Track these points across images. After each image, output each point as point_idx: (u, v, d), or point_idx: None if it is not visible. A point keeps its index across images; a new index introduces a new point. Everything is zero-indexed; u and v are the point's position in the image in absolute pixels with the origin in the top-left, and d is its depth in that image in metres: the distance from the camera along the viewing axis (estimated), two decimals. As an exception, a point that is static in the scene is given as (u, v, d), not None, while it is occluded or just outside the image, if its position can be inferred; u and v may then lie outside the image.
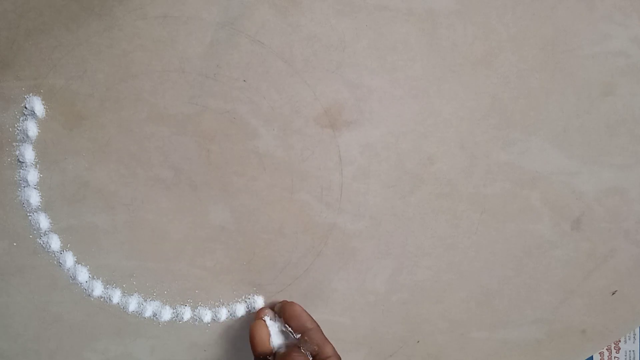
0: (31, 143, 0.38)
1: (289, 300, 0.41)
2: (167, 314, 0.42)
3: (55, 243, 0.40)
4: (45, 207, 0.39)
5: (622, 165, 0.41)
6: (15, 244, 0.40)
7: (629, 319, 0.46)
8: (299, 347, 0.36)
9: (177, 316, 0.43)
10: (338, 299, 0.43)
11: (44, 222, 0.40)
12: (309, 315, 0.38)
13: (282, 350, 0.37)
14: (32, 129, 0.37)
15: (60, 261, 0.41)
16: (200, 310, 0.43)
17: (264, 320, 0.38)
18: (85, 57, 0.36)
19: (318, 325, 0.38)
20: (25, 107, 0.37)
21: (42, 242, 0.40)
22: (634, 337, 0.49)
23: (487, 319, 0.45)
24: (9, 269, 0.40)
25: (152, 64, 0.36)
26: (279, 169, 0.39)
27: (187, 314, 0.43)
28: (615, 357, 0.49)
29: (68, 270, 0.41)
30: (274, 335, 0.38)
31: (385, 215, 0.41)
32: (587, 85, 0.39)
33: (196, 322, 0.43)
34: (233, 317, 0.43)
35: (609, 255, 0.43)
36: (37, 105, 0.37)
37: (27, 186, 0.39)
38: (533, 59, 0.38)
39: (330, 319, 0.44)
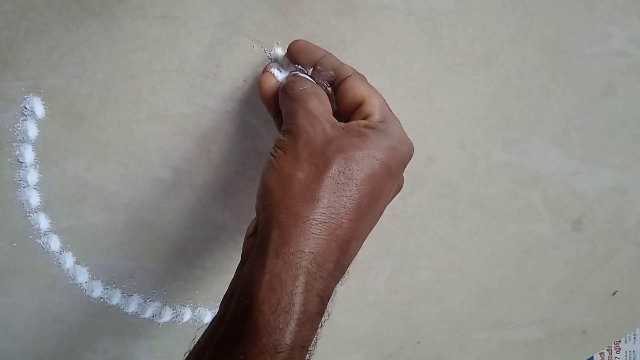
0: (31, 143, 0.38)
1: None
2: (167, 314, 0.42)
3: (55, 243, 0.40)
4: (45, 207, 0.39)
5: (622, 165, 0.41)
6: (15, 244, 0.40)
7: (629, 319, 0.46)
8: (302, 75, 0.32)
9: (177, 316, 0.42)
10: (338, 299, 0.43)
11: (43, 222, 0.39)
12: (315, 45, 0.34)
13: None
14: (32, 129, 0.37)
15: (60, 261, 0.41)
16: (200, 311, 0.43)
17: (270, 72, 0.34)
18: (85, 57, 0.36)
19: (329, 52, 0.33)
20: (25, 107, 0.37)
21: (42, 242, 0.40)
22: (634, 338, 0.49)
23: (487, 319, 0.45)
24: (9, 269, 0.40)
25: (152, 64, 0.36)
26: (279, 169, 0.39)
27: (187, 314, 0.42)
28: (615, 357, 0.49)
29: (68, 270, 0.41)
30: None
31: (386, 216, 0.41)
32: (587, 85, 0.39)
33: (196, 322, 0.43)
34: (233, 318, 0.43)
35: (609, 256, 0.43)
36: (37, 106, 0.37)
37: (26, 186, 0.39)
38: (533, 59, 0.38)
39: (331, 319, 0.44)
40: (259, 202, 0.28)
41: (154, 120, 0.38)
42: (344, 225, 0.27)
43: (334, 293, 0.28)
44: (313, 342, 0.27)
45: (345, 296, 0.43)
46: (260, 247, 0.27)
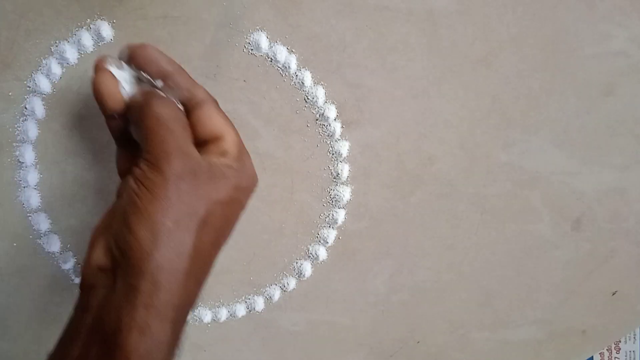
0: (31, 143, 0.38)
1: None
2: (167, 314, 0.42)
3: (55, 243, 0.40)
4: (45, 207, 0.39)
5: (622, 165, 0.41)
6: (15, 244, 0.40)
7: (629, 319, 0.46)
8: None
9: (177, 316, 0.43)
10: (338, 299, 0.43)
11: (44, 222, 0.40)
12: (168, 56, 0.30)
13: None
14: (32, 129, 0.37)
15: (60, 261, 0.41)
16: (200, 311, 0.43)
17: (109, 70, 0.29)
18: (85, 58, 0.36)
19: (182, 68, 0.30)
20: (26, 107, 0.37)
21: (42, 242, 0.40)
22: (634, 338, 0.49)
23: (487, 319, 0.45)
24: (9, 269, 0.40)
25: (152, 64, 0.36)
26: (279, 169, 0.39)
27: (187, 314, 0.42)
28: (615, 357, 0.49)
29: (68, 270, 0.41)
30: (126, 85, 0.29)
31: (386, 216, 0.41)
32: (587, 85, 0.39)
33: (196, 322, 0.43)
34: (233, 317, 0.43)
35: (609, 256, 0.43)
36: (37, 106, 0.37)
37: (27, 186, 0.39)
38: (533, 59, 0.38)
39: (330, 319, 0.44)
40: (120, 243, 0.26)
41: (154, 120, 0.38)
42: (207, 270, 0.28)
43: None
44: None
45: (345, 296, 0.43)
46: (126, 296, 0.26)
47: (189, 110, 0.29)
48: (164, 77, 0.29)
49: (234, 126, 0.30)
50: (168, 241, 0.26)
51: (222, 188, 0.28)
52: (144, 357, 0.25)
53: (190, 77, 0.30)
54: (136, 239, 0.25)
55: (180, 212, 0.26)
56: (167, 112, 0.27)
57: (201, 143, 0.29)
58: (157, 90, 0.29)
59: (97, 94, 0.29)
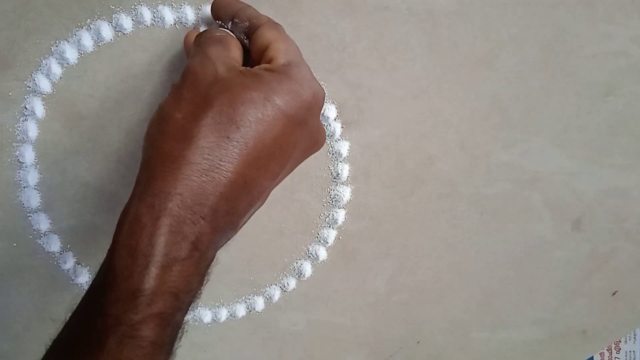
0: (31, 143, 0.38)
1: None
2: (167, 314, 0.42)
3: (55, 243, 0.40)
4: (45, 207, 0.39)
5: (623, 165, 0.41)
6: (15, 244, 0.40)
7: (629, 319, 0.46)
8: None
9: (177, 316, 0.42)
10: (338, 299, 0.43)
11: (44, 222, 0.40)
12: (238, 0, 0.32)
13: None
14: (32, 129, 0.37)
15: (60, 261, 0.41)
16: (200, 311, 0.43)
17: (197, 29, 0.33)
18: (85, 57, 0.36)
19: (248, 5, 0.32)
20: (26, 107, 0.37)
21: (42, 243, 0.40)
22: (634, 338, 0.49)
23: (487, 319, 0.45)
24: (9, 269, 0.40)
25: (153, 64, 0.36)
26: (279, 169, 0.39)
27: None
28: (615, 357, 0.49)
29: (68, 270, 0.41)
30: None
31: (386, 216, 0.41)
32: (587, 85, 0.39)
33: (196, 323, 0.43)
34: (233, 317, 0.43)
35: (609, 256, 0.43)
36: (37, 106, 0.37)
37: (27, 186, 0.39)
38: (533, 59, 0.38)
39: (330, 319, 0.44)
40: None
41: (154, 120, 0.38)
42: (223, 168, 0.25)
43: (223, 243, 0.27)
44: (192, 290, 0.26)
45: (345, 296, 0.43)
46: (132, 191, 0.26)
47: (251, 36, 0.30)
48: (233, 17, 0.31)
49: (289, 39, 0.30)
50: (172, 131, 0.25)
51: (250, 86, 0.26)
52: (133, 250, 0.24)
53: (254, 10, 0.31)
54: (147, 133, 0.26)
55: (194, 106, 0.26)
56: (205, 36, 0.29)
57: (259, 61, 0.29)
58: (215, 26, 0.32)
59: (184, 47, 0.33)
